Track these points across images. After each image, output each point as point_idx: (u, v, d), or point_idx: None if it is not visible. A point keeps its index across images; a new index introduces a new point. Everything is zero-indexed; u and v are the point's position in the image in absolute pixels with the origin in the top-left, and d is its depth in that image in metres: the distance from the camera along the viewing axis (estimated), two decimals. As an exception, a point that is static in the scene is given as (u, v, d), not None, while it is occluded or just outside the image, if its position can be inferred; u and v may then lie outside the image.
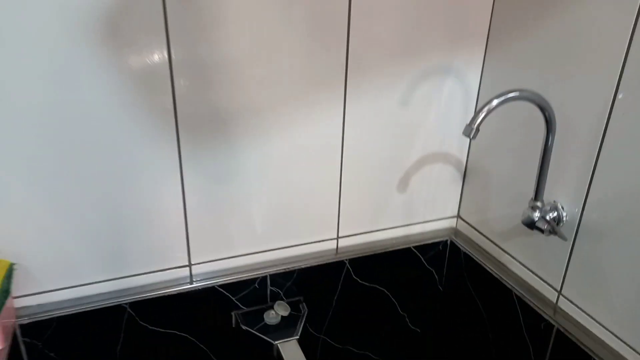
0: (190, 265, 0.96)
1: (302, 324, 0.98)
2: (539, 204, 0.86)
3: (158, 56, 0.79)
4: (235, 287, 0.97)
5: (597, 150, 0.79)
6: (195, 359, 0.99)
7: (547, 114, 0.78)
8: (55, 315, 0.87)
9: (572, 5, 0.81)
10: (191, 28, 0.79)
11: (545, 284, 0.93)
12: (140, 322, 0.92)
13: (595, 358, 0.82)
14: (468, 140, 1.10)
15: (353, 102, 0.95)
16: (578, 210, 0.84)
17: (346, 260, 1.06)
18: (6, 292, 0.78)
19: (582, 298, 0.86)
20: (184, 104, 0.83)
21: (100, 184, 0.83)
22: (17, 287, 0.84)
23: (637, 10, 0.71)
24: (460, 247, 1.12)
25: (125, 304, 0.90)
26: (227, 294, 0.97)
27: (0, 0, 0.68)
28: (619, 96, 0.75)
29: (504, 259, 1.03)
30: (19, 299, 0.86)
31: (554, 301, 0.92)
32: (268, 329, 0.96)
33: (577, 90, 0.82)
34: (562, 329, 0.88)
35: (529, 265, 0.97)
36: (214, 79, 0.84)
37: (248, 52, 0.84)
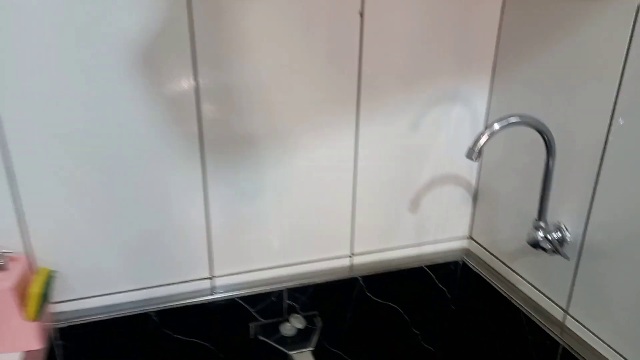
0: (212, 277, 1.02)
1: (317, 336, 1.03)
2: (542, 224, 0.89)
3: (186, 83, 0.88)
4: (253, 299, 1.03)
5: (597, 173, 0.83)
6: (214, 367, 1.05)
7: (546, 137, 0.83)
8: (88, 321, 0.94)
9: (569, 35, 0.86)
10: (216, 58, 0.88)
11: (552, 303, 0.96)
12: (165, 330, 0.99)
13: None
14: (477, 163, 1.14)
15: (365, 126, 1.02)
16: (581, 231, 0.87)
17: (360, 277, 1.10)
18: (46, 296, 0.86)
19: (588, 317, 0.88)
20: (208, 127, 0.92)
21: (132, 201, 0.92)
22: (56, 293, 0.93)
23: (628, 39, 0.76)
24: (472, 267, 1.15)
25: (152, 312, 0.97)
26: (246, 305, 1.03)
27: (49, 35, 0.78)
28: (620, 121, 0.79)
29: (513, 278, 1.06)
30: (57, 304, 0.94)
31: (561, 320, 0.94)
32: (284, 341, 1.01)
33: (577, 115, 0.86)
34: (568, 348, 0.90)
35: (536, 284, 0.99)
36: (236, 104, 0.92)
37: (268, 79, 0.92)
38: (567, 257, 0.87)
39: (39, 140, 0.83)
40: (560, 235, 0.90)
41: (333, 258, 1.10)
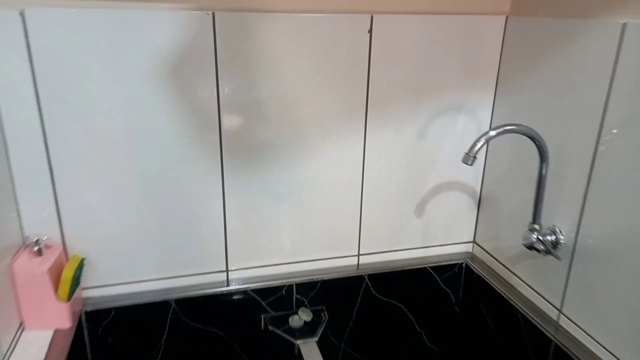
0: (227, 271, 1.10)
1: (322, 328, 1.09)
2: (536, 226, 0.95)
3: (209, 94, 0.97)
4: (265, 292, 1.11)
5: (587, 180, 0.88)
6: (226, 354, 1.12)
7: (538, 144, 0.88)
8: (113, 306, 1.03)
9: (563, 51, 0.92)
10: (237, 72, 0.96)
11: (548, 304, 1.00)
12: (183, 318, 1.07)
13: (591, 374, 0.88)
14: (482, 171, 1.20)
15: (373, 134, 1.09)
16: (574, 234, 0.92)
17: (365, 275, 1.17)
18: (77, 281, 0.95)
19: (580, 316, 0.93)
20: (227, 135, 1.00)
21: (157, 198, 1.01)
22: (85, 279, 1.02)
23: (615, 55, 0.81)
24: (475, 271, 1.20)
25: (171, 300, 1.05)
26: (258, 298, 1.10)
27: (95, 51, 0.88)
28: (613, 131, 0.84)
29: (513, 281, 1.11)
30: (86, 290, 1.03)
31: (556, 319, 0.98)
32: (292, 332, 1.08)
33: (570, 126, 0.91)
34: (561, 345, 0.94)
35: (534, 286, 1.04)
36: (253, 115, 1.00)
37: (282, 92, 1.00)
38: (559, 258, 0.92)
39: (76, 142, 0.93)
40: (554, 238, 0.95)
41: (341, 257, 1.17)
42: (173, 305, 1.06)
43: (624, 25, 0.79)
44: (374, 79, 1.05)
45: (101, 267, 1.03)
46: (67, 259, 0.99)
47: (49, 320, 0.93)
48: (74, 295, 0.96)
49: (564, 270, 0.95)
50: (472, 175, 1.20)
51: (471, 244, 1.27)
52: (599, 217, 0.87)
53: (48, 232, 0.97)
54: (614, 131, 0.82)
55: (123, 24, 0.88)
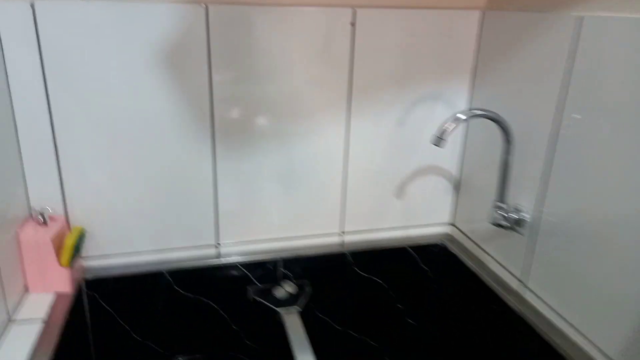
0: (218, 245, 1.18)
1: (305, 300, 1.17)
2: (502, 205, 1.02)
3: (201, 81, 1.04)
4: (253, 266, 1.19)
5: (550, 162, 0.95)
6: (216, 322, 1.20)
7: (503, 127, 0.96)
8: (111, 275, 1.11)
9: (530, 44, 0.99)
10: (228, 61, 1.04)
11: (513, 277, 1.08)
12: (175, 287, 1.15)
13: (548, 340, 0.95)
14: (459, 157, 1.27)
15: (356, 121, 1.17)
16: (537, 213, 1.00)
17: (348, 252, 1.24)
18: (78, 249, 1.04)
19: (541, 288, 1.00)
20: (219, 120, 1.08)
21: (154, 176, 1.09)
22: (86, 250, 1.10)
23: (572, 46, 0.89)
24: (452, 251, 1.28)
25: (165, 271, 1.13)
26: (246, 271, 1.18)
27: (100, 40, 0.96)
28: (573, 116, 0.91)
29: (484, 258, 1.18)
30: (86, 259, 1.11)
31: (519, 291, 1.06)
32: (276, 302, 1.16)
33: (535, 113, 0.99)
34: (522, 315, 1.02)
35: (501, 261, 1.12)
36: (243, 98, 1.08)
37: (270, 79, 1.08)
38: (521, 233, 1.00)
39: (80, 124, 1.01)
40: (518, 216, 1.02)
41: (325, 235, 1.25)
42: (167, 276, 1.14)
43: (581, 18, 0.87)
44: (357, 69, 1.13)
45: (100, 239, 1.11)
46: (69, 230, 1.07)
47: (52, 284, 1.01)
48: (75, 264, 1.04)
49: (527, 246, 1.03)
50: (450, 161, 1.28)
51: (449, 225, 1.34)
52: (559, 197, 0.94)
53: (52, 206, 1.05)
54: (574, 116, 0.90)
55: (124, 15, 0.96)
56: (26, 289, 1.01)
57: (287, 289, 1.18)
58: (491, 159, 1.15)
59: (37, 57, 0.95)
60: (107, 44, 0.97)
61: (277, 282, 1.20)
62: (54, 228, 1.01)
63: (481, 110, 0.96)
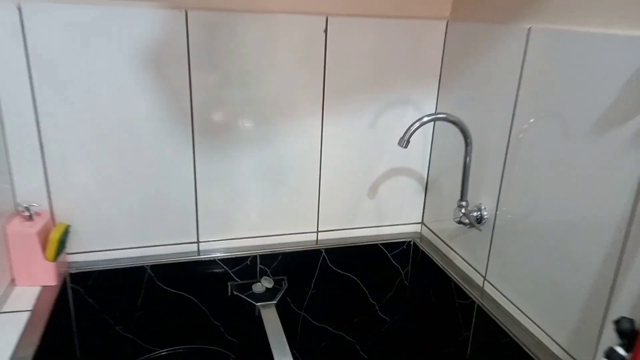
0: (198, 242, 1.24)
1: (282, 294, 1.23)
2: (464, 203, 1.09)
3: (182, 84, 1.11)
4: (232, 262, 1.24)
5: (503, 163, 1.03)
6: (196, 316, 1.25)
7: (462, 130, 1.03)
8: (95, 269, 1.16)
9: (487, 53, 1.07)
10: (207, 62, 1.11)
11: (475, 272, 1.15)
12: (157, 282, 1.20)
13: (506, 330, 1.02)
14: (428, 159, 1.35)
15: (330, 123, 1.23)
16: (494, 211, 1.07)
17: (323, 249, 1.31)
18: (62, 243, 1.08)
19: (500, 282, 1.08)
20: (199, 121, 1.14)
21: (137, 174, 1.14)
22: (70, 245, 1.15)
23: (522, 57, 0.97)
24: (421, 248, 1.35)
25: (147, 266, 1.19)
26: (225, 267, 1.24)
27: (83, 44, 1.02)
28: (525, 122, 0.99)
29: (451, 255, 1.25)
30: (71, 255, 1.16)
31: (481, 285, 1.13)
32: (254, 297, 1.22)
33: (491, 119, 1.06)
34: (483, 307, 1.09)
35: (465, 257, 1.19)
36: (222, 100, 1.14)
37: (249, 80, 1.14)
38: (479, 229, 1.07)
39: (65, 122, 1.06)
40: (479, 213, 1.09)
41: (301, 232, 1.31)
42: (149, 270, 1.19)
43: (529, 30, 0.95)
44: (330, 74, 1.20)
45: (84, 235, 1.16)
46: (54, 225, 1.12)
47: (37, 278, 1.06)
48: (60, 258, 1.09)
49: (487, 242, 1.10)
50: (419, 163, 1.35)
51: (419, 224, 1.41)
52: (513, 196, 1.02)
53: (38, 201, 1.10)
54: (526, 122, 0.97)
55: (108, 18, 1.02)
56: (13, 282, 1.06)
57: (264, 284, 1.24)
58: (456, 161, 1.22)
59: (24, 56, 1.00)
60: (92, 45, 1.03)
61: (255, 278, 1.26)
62: (39, 223, 1.06)
63: (443, 114, 1.04)
